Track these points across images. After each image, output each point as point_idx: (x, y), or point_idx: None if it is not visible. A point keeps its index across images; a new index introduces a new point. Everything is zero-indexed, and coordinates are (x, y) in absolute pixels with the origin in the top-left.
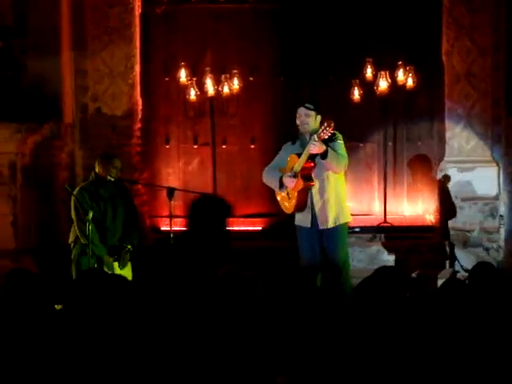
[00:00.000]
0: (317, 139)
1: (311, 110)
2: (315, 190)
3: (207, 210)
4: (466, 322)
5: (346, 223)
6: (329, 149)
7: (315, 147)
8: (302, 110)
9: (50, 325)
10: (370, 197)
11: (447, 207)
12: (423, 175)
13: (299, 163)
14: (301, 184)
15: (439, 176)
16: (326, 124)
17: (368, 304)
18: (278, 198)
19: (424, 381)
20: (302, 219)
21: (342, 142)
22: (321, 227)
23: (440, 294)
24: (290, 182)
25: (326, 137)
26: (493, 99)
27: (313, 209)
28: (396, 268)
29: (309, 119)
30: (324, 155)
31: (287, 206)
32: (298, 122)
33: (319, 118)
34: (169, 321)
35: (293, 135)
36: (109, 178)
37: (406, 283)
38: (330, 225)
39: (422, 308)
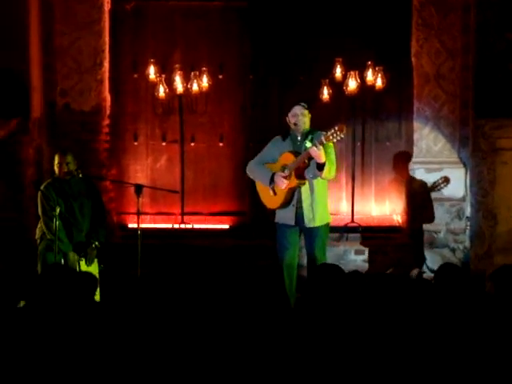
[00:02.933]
0: (324, 141)
1: (307, 109)
2: (305, 188)
3: None
4: (431, 322)
5: (329, 223)
6: (326, 162)
7: (316, 153)
8: (298, 109)
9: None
10: (337, 197)
11: (414, 208)
12: (391, 176)
13: (295, 162)
14: (294, 182)
15: (407, 177)
16: (337, 128)
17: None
18: (261, 193)
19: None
20: (285, 217)
21: (332, 145)
22: (307, 225)
23: (408, 293)
24: (281, 183)
25: (335, 141)
26: (461, 101)
27: (299, 207)
28: (336, 266)
29: (305, 119)
30: (321, 166)
31: (272, 201)
32: (292, 120)
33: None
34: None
35: (284, 131)
36: (74, 173)
37: (346, 280)
38: (317, 223)
39: (378, 308)
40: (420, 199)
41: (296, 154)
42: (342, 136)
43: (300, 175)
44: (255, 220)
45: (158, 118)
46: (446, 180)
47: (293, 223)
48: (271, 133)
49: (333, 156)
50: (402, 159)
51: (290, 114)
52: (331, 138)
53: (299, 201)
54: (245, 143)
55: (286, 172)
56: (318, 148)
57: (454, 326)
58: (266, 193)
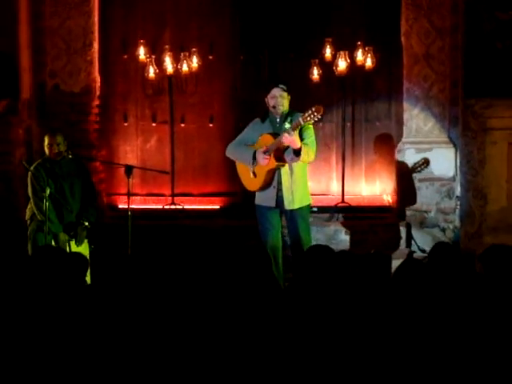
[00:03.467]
0: (301, 123)
1: (286, 90)
2: (284, 170)
3: None
4: (424, 302)
5: (309, 204)
6: (303, 147)
7: (289, 139)
8: (277, 91)
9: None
10: (328, 177)
11: (404, 188)
12: (381, 156)
13: (273, 144)
14: (273, 164)
15: (397, 157)
16: (314, 109)
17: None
18: (241, 176)
19: (380, 365)
20: (266, 199)
21: (312, 127)
22: (287, 207)
23: (399, 273)
24: (263, 160)
25: (312, 121)
26: (451, 80)
27: (279, 189)
28: (326, 247)
29: (284, 101)
30: (298, 152)
31: (252, 183)
32: (271, 102)
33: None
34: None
35: (263, 113)
36: (64, 154)
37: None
38: (296, 205)
39: (371, 286)
40: (406, 180)
41: (275, 135)
42: (320, 117)
43: (279, 157)
44: (246, 200)
45: (147, 99)
46: (426, 161)
47: (274, 205)
48: (261, 113)
49: (312, 138)
50: (392, 139)
51: (268, 96)
52: (308, 119)
53: (279, 182)
54: (235, 123)
55: (267, 155)
56: (290, 134)
57: (446, 305)
58: (247, 175)
